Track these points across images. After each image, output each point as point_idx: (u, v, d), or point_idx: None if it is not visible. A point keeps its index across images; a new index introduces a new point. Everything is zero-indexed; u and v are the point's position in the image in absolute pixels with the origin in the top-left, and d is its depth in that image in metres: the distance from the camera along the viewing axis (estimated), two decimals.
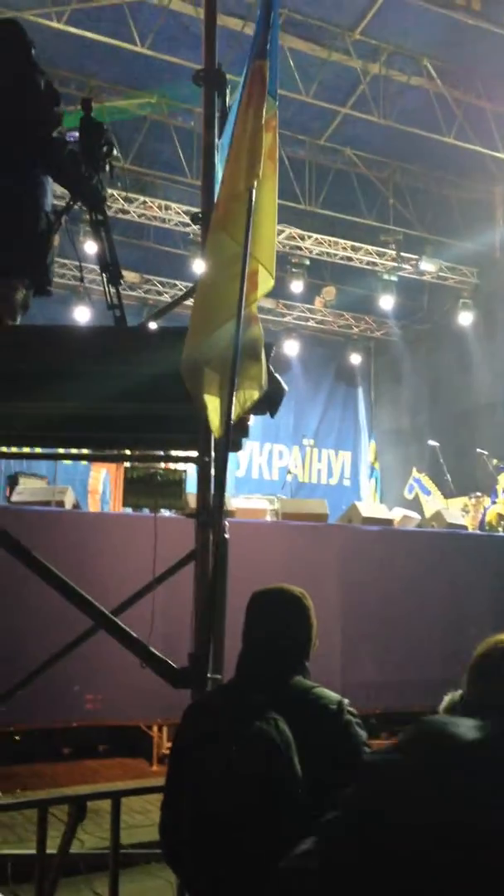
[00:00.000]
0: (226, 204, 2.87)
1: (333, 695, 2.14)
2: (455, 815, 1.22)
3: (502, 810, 1.21)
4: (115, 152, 4.46)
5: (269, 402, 3.29)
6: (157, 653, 3.18)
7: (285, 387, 3.51)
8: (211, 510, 3.03)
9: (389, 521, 8.69)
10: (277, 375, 3.35)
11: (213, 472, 3.14)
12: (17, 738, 7.06)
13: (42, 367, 3.29)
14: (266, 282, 3.00)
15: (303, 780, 1.90)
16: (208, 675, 2.79)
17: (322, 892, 1.37)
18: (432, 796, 1.25)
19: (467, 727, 1.32)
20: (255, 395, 2.98)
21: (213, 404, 2.88)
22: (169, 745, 7.12)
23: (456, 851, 1.19)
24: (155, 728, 7.28)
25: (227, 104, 3.54)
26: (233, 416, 2.73)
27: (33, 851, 3.64)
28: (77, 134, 4.50)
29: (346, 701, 2.13)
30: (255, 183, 2.81)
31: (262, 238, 2.92)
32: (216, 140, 3.41)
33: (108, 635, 3.46)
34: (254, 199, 2.80)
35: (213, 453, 3.17)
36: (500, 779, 1.24)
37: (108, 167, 4.50)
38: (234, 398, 2.73)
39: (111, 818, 3.21)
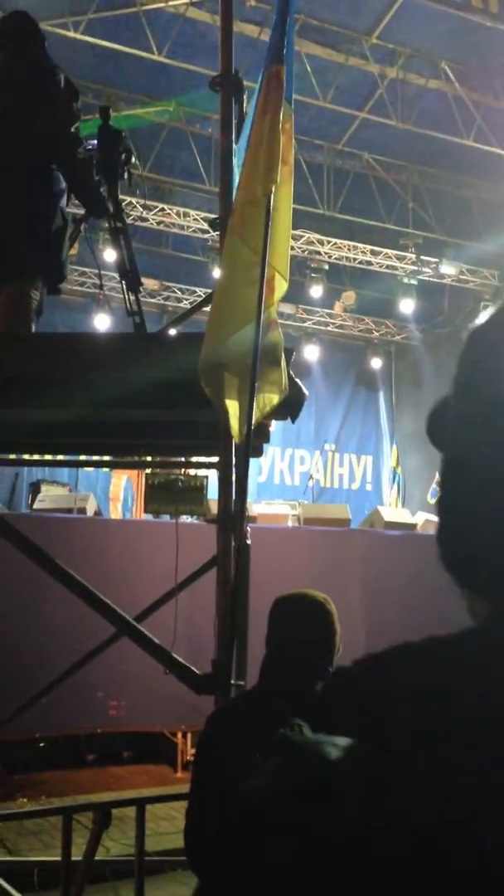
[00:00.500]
0: (241, 210, 2.87)
1: None
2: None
3: None
4: (133, 160, 4.48)
5: (290, 407, 3.28)
6: (180, 659, 3.18)
7: (306, 392, 3.50)
8: (233, 516, 3.02)
9: (412, 526, 8.64)
10: (298, 380, 3.34)
11: (234, 477, 3.13)
12: (41, 745, 7.09)
13: (62, 374, 3.30)
14: (280, 286, 3.01)
15: None
16: (231, 681, 2.77)
17: None
18: None
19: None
20: (275, 399, 2.98)
21: (233, 409, 2.87)
22: (193, 751, 7.11)
23: None
24: (179, 734, 7.27)
25: (244, 109, 3.54)
26: (252, 420, 2.72)
27: (59, 858, 3.64)
28: (95, 142, 4.52)
29: None
30: (273, 188, 2.81)
31: (278, 242, 2.93)
32: (233, 145, 3.42)
33: (130, 642, 3.46)
34: (271, 200, 2.81)
35: (233, 459, 3.17)
36: None
37: (126, 175, 4.52)
38: (254, 403, 2.72)
39: (136, 825, 3.20)
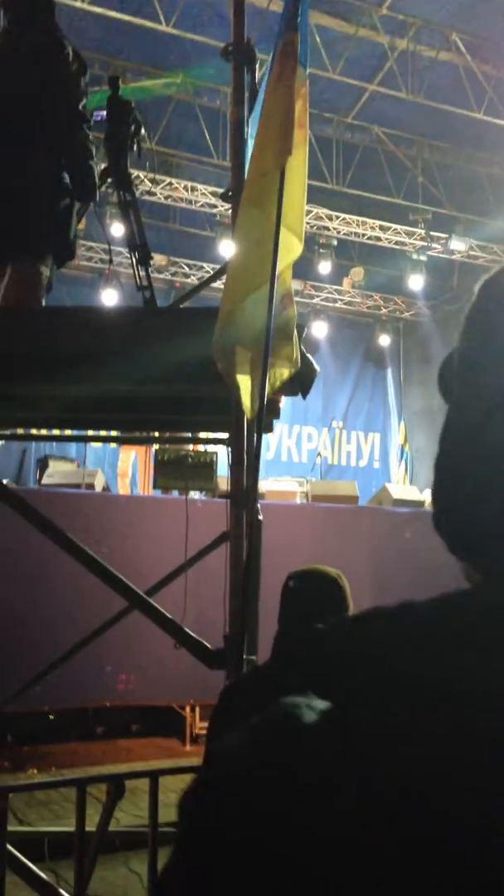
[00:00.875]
0: (256, 179, 2.84)
1: None
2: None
3: None
4: (142, 131, 4.43)
5: (301, 383, 3.26)
6: (192, 634, 3.19)
7: (317, 367, 3.48)
8: (245, 492, 3.01)
9: (420, 503, 8.63)
10: (309, 356, 3.32)
11: (245, 453, 3.12)
12: (50, 717, 7.15)
13: (73, 350, 3.29)
14: (295, 248, 2.98)
15: None
16: (243, 656, 2.78)
17: None
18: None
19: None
20: (286, 373, 2.97)
21: (244, 384, 2.86)
22: (202, 725, 7.17)
23: None
24: (188, 708, 7.33)
25: (256, 80, 3.49)
26: (266, 393, 2.71)
27: (70, 829, 3.68)
28: (104, 113, 4.47)
29: None
30: (287, 159, 2.78)
31: (293, 204, 2.90)
32: (245, 116, 3.37)
33: (139, 617, 3.48)
34: (285, 168, 2.78)
35: (244, 434, 3.16)
36: None
37: (135, 147, 4.47)
38: (266, 378, 2.71)
39: (150, 797, 3.23)
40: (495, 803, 0.47)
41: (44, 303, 3.89)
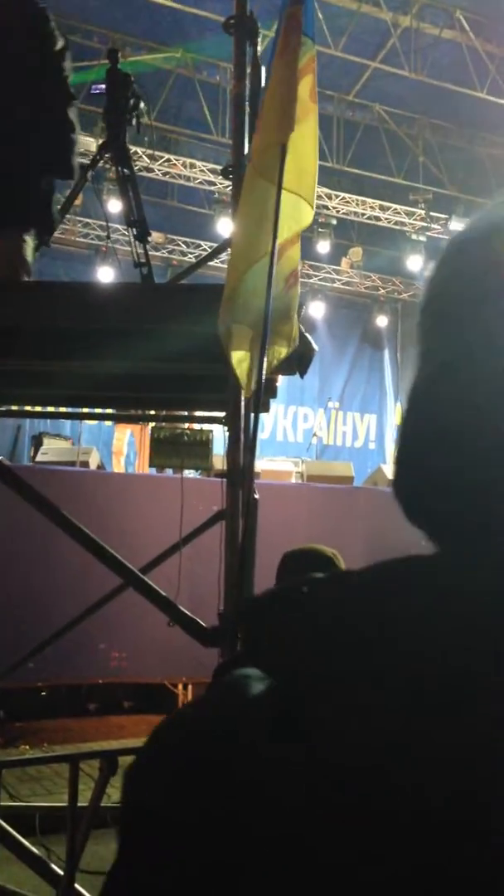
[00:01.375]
0: (266, 150, 2.80)
1: None
2: None
3: None
4: (142, 105, 4.37)
5: (299, 362, 3.24)
6: (186, 612, 3.19)
7: (315, 346, 3.46)
8: (242, 470, 3.00)
9: None
10: (308, 335, 3.30)
11: (242, 432, 3.11)
12: (43, 693, 7.18)
13: (68, 326, 3.26)
14: (305, 217, 2.94)
15: None
16: (238, 634, 2.78)
17: None
18: None
19: None
20: (284, 352, 2.94)
21: (242, 362, 2.84)
22: None
23: None
24: (180, 686, 7.36)
25: (258, 55, 3.43)
26: (265, 371, 2.69)
27: (61, 804, 3.70)
28: (103, 86, 4.41)
29: None
30: (290, 134, 2.75)
31: (305, 172, 2.87)
32: (246, 91, 3.32)
33: (134, 594, 3.48)
34: (295, 134, 2.76)
35: (242, 413, 3.14)
36: None
37: (134, 121, 4.41)
38: (264, 357, 2.68)
39: None
40: (436, 769, 0.46)
41: (31, 272, 3.81)
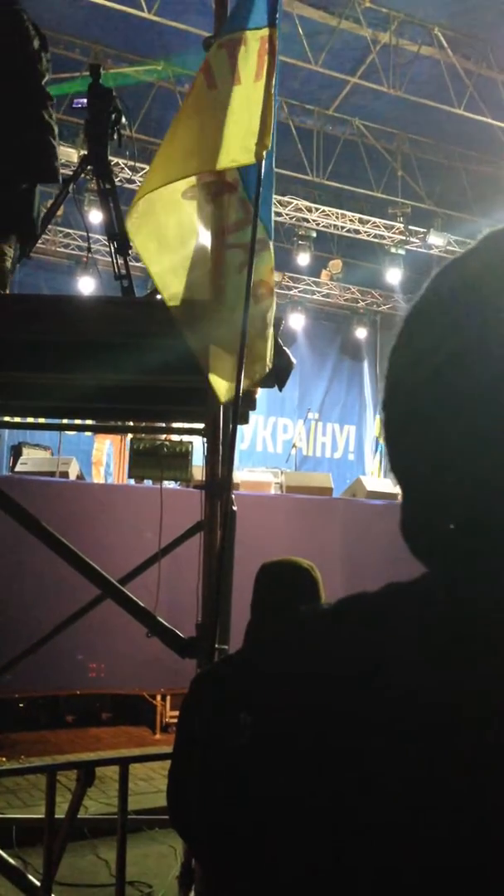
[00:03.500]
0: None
1: None
2: None
3: None
4: (123, 120, 4.41)
5: (278, 375, 3.28)
6: (165, 623, 3.20)
7: (294, 360, 3.50)
8: (220, 482, 3.03)
9: (394, 496, 8.69)
10: (286, 349, 3.34)
11: (221, 443, 3.14)
12: (20, 705, 7.14)
13: (50, 339, 3.28)
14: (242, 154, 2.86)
15: None
16: (216, 645, 2.80)
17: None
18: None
19: None
20: (257, 374, 2.98)
21: (220, 376, 2.87)
22: (172, 714, 7.19)
23: None
24: (158, 697, 7.35)
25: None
26: (242, 387, 2.72)
27: (38, 816, 3.68)
28: (84, 101, 4.44)
29: None
30: (265, 154, 2.80)
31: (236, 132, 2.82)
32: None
33: (112, 605, 3.48)
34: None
35: (220, 425, 3.17)
36: None
37: (115, 135, 4.44)
38: (242, 369, 2.72)
39: (119, 784, 3.24)
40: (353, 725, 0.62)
41: (9, 283, 3.81)
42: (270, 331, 2.97)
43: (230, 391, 2.82)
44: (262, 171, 2.83)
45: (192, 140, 2.84)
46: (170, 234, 2.98)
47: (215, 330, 2.83)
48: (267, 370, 2.93)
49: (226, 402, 2.94)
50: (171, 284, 2.95)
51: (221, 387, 2.87)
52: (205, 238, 3.04)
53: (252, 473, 9.30)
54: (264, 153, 2.84)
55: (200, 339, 2.80)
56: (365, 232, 13.80)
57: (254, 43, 2.89)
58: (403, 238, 13.73)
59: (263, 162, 2.83)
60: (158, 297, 3.08)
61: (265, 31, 2.91)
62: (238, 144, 2.80)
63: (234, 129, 2.81)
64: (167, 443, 4.96)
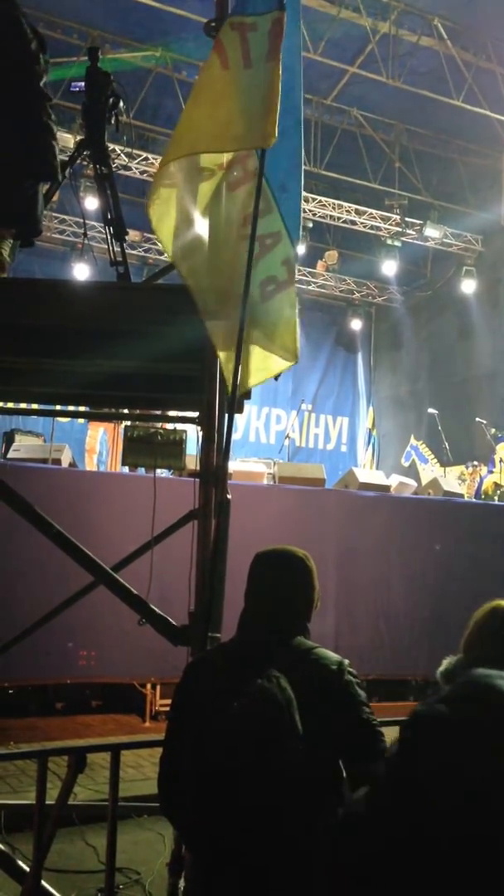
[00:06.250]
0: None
1: (334, 655, 2.15)
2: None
3: None
4: (121, 104, 4.37)
5: None
6: (158, 611, 3.20)
7: None
8: (215, 470, 3.02)
9: (386, 488, 8.70)
10: None
11: (215, 432, 3.13)
12: (10, 692, 7.13)
13: (44, 324, 3.25)
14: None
15: (302, 737, 1.92)
16: (208, 633, 2.80)
17: (365, 833, 1.55)
18: (481, 750, 1.36)
19: None
20: (281, 364, 3.01)
21: (230, 362, 2.85)
22: (162, 702, 7.20)
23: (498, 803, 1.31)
24: (148, 685, 7.35)
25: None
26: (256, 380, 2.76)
27: (27, 802, 3.68)
28: (82, 84, 4.40)
29: (346, 661, 2.14)
30: (272, 141, 2.78)
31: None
32: None
33: (103, 593, 3.47)
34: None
35: (216, 413, 3.16)
36: None
37: (113, 119, 4.41)
38: (240, 357, 2.71)
39: (111, 771, 3.24)
40: None
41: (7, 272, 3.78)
42: (295, 325, 3.02)
43: (257, 376, 2.87)
44: (290, 163, 2.86)
45: (206, 119, 2.85)
46: (191, 217, 2.98)
47: (234, 318, 2.82)
48: (294, 362, 2.99)
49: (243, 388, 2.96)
50: (184, 264, 2.95)
51: (229, 373, 2.85)
52: (221, 225, 3.03)
53: (245, 464, 9.29)
54: (272, 140, 2.83)
55: (223, 327, 2.81)
56: (361, 223, 13.76)
57: (265, 25, 2.88)
58: (400, 230, 13.70)
59: (292, 155, 2.85)
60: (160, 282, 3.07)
61: (276, 14, 2.91)
62: (250, 127, 2.80)
63: (245, 112, 2.81)
64: (161, 431, 4.94)
